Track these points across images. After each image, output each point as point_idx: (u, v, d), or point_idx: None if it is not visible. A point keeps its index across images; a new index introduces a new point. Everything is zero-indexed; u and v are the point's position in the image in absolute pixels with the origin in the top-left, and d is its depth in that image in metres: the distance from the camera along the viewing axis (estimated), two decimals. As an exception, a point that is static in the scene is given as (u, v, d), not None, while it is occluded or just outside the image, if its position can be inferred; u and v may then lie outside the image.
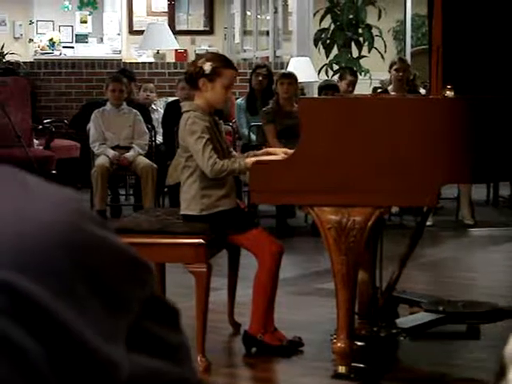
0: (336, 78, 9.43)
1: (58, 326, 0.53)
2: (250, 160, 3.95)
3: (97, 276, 0.57)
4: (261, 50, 11.53)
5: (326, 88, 7.92)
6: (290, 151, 3.83)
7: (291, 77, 7.43)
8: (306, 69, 9.00)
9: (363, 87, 9.39)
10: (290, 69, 8.60)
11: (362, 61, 10.80)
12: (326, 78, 10.11)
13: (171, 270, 4.45)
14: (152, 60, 10.97)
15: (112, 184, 8.02)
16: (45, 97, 9.89)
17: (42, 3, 13.02)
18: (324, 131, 3.67)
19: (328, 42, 10.87)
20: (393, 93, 7.65)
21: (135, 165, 7.46)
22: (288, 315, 4.56)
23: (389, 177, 3.60)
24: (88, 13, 13.29)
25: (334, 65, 10.73)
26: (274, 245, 4.10)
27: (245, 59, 11.54)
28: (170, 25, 11.93)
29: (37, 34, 13.08)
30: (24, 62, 10.44)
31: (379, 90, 8.58)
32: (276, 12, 11.01)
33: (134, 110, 7.70)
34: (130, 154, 7.48)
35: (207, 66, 4.06)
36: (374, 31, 10.84)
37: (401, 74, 7.76)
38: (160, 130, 8.21)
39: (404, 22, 11.65)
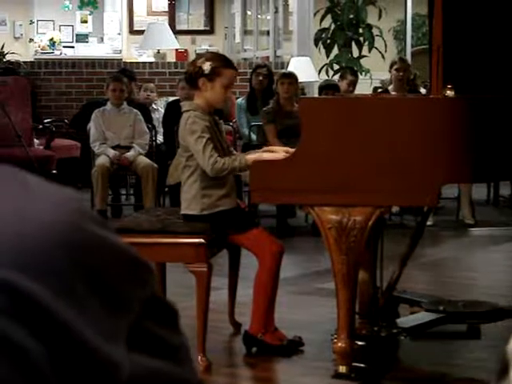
0: (336, 77, 9.42)
1: (59, 325, 0.53)
2: (251, 157, 3.94)
3: (97, 276, 0.57)
4: (261, 50, 11.53)
5: (327, 88, 7.91)
6: (292, 150, 3.82)
7: (292, 77, 7.43)
8: (306, 68, 9.00)
9: (364, 87, 9.39)
10: (290, 68, 8.60)
11: (362, 60, 10.79)
12: (327, 77, 10.10)
13: (172, 270, 4.45)
14: (152, 60, 10.98)
15: (112, 184, 8.02)
16: (45, 96, 9.89)
17: (43, 3, 13.01)
18: (324, 131, 3.66)
19: (328, 41, 10.87)
20: (393, 92, 7.64)
21: (136, 164, 7.45)
22: (288, 315, 4.56)
23: (389, 176, 3.60)
24: (88, 12, 13.27)
25: (334, 64, 10.73)
26: (275, 244, 4.10)
27: (245, 59, 11.54)
28: (170, 24, 11.92)
29: (37, 33, 13.06)
30: (24, 62, 10.44)
31: (380, 90, 8.58)
32: (276, 12, 11.01)
33: (135, 110, 7.69)
34: (130, 154, 7.47)
35: (207, 66, 4.06)
36: (375, 31, 10.84)
37: (401, 73, 7.75)
38: (160, 130, 8.21)
39: (404, 21, 11.64)
